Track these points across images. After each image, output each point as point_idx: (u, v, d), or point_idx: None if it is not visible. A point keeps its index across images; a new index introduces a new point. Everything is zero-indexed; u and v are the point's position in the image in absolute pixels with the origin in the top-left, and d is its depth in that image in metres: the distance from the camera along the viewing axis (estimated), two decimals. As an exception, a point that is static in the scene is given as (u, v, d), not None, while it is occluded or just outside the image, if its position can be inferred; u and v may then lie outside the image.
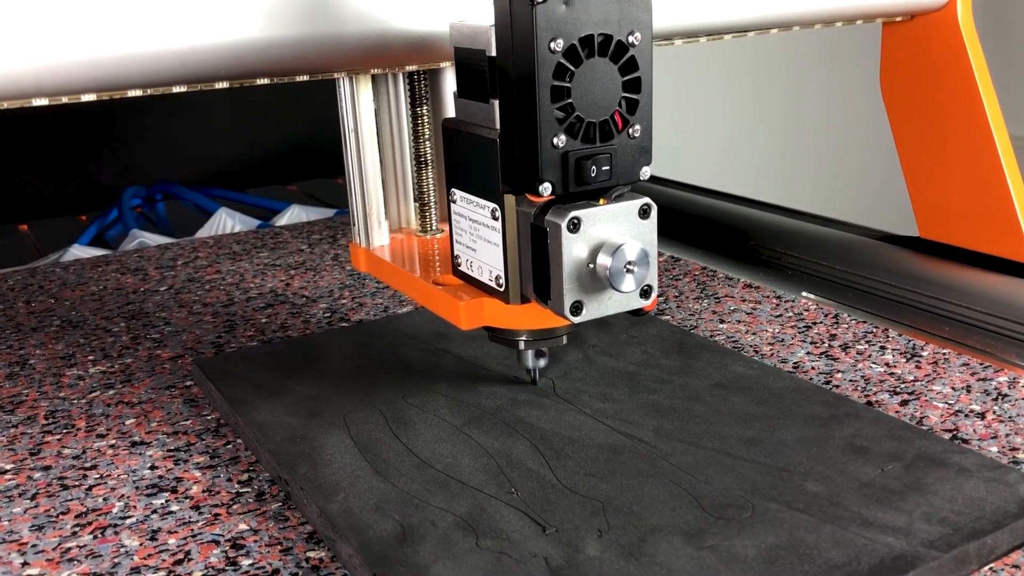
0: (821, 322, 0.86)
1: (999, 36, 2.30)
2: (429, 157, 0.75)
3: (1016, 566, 0.52)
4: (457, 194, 0.64)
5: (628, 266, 0.57)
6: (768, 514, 0.54)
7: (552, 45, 0.53)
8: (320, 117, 1.67)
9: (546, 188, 0.56)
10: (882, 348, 0.79)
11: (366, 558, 0.51)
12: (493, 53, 0.57)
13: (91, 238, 1.37)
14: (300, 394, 0.71)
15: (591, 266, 0.57)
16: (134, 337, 0.90)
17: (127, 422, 0.73)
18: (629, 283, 0.57)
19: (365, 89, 0.71)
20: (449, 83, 0.74)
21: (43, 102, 0.58)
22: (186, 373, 0.81)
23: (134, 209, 1.49)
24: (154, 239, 1.30)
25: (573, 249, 0.56)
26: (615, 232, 0.57)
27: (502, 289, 0.62)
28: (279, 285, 1.04)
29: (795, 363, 0.78)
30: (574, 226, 0.56)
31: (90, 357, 0.86)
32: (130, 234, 1.33)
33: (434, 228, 0.76)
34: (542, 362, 0.70)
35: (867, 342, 0.81)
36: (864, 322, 0.85)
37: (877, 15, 0.91)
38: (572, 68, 0.54)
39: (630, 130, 0.57)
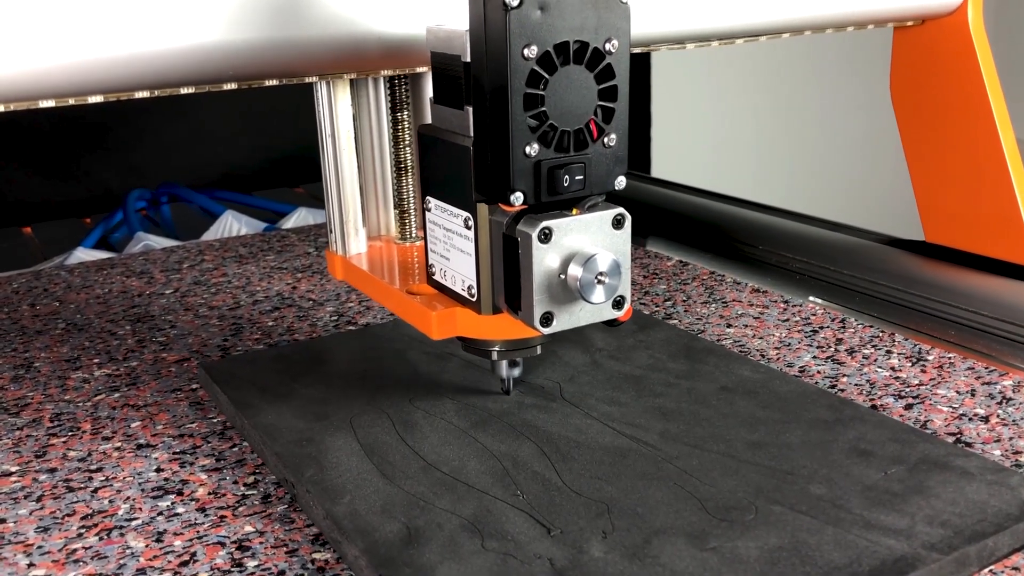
0: (828, 326, 0.86)
1: (1008, 40, 2.30)
2: (409, 163, 0.74)
3: (1016, 568, 0.52)
4: (432, 202, 0.63)
5: (599, 277, 0.56)
6: (771, 516, 0.54)
7: (526, 52, 0.52)
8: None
9: (518, 198, 0.55)
10: (888, 352, 0.80)
11: (372, 559, 0.52)
12: (468, 59, 0.56)
13: (96, 241, 1.37)
14: (306, 397, 0.71)
15: (562, 277, 0.57)
16: (139, 340, 0.91)
17: (133, 425, 0.73)
18: (600, 294, 0.56)
19: (343, 93, 0.70)
20: (430, 88, 0.73)
21: (49, 104, 0.58)
22: (192, 376, 0.81)
23: (139, 212, 1.49)
24: (159, 242, 1.30)
25: (544, 259, 0.56)
26: (587, 242, 0.57)
27: (474, 299, 0.61)
28: (285, 288, 1.04)
29: (801, 367, 0.78)
30: (545, 236, 0.55)
31: (95, 360, 0.86)
32: (135, 237, 1.33)
33: (413, 236, 0.76)
34: (515, 372, 0.69)
35: (873, 346, 0.81)
36: (871, 326, 0.85)
37: (889, 19, 0.91)
38: (546, 76, 0.53)
39: (605, 139, 0.57)
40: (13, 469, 0.67)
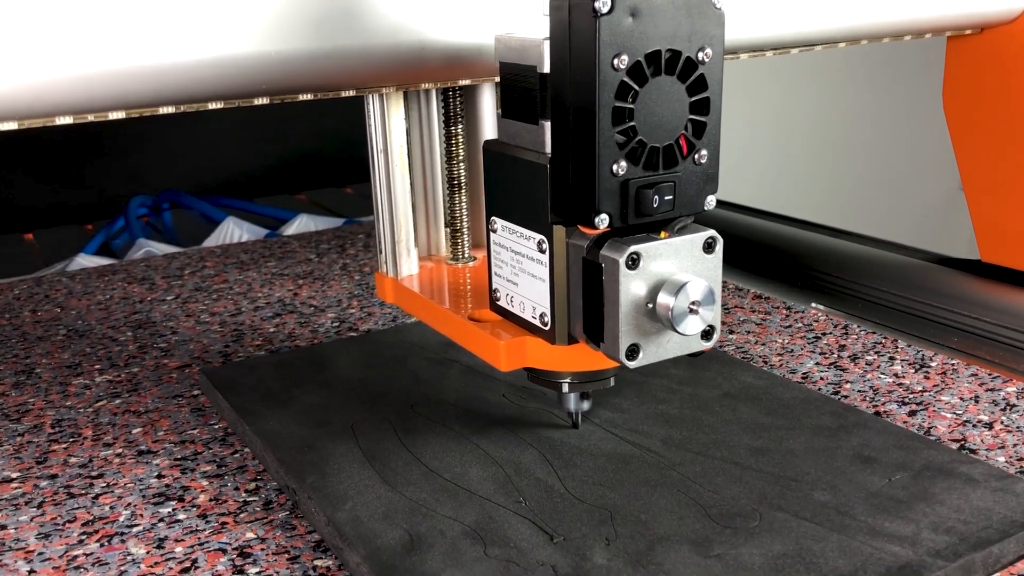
0: (830, 333, 0.86)
1: None
2: (462, 179, 0.70)
3: (1022, 575, 0.52)
4: (498, 223, 0.58)
5: (692, 306, 0.51)
6: (775, 523, 0.54)
7: (615, 62, 0.48)
8: (328, 126, 1.67)
9: (603, 220, 0.50)
10: (891, 359, 0.79)
11: (374, 567, 0.51)
12: (546, 70, 0.52)
13: (97, 247, 1.37)
14: (308, 403, 0.71)
15: (650, 306, 0.52)
16: (141, 346, 0.90)
17: (134, 431, 0.73)
18: (693, 324, 0.52)
19: (397, 107, 0.66)
20: (486, 100, 0.70)
21: (67, 120, 0.54)
22: (193, 382, 0.81)
23: (140, 218, 1.49)
24: (161, 248, 1.30)
25: (631, 287, 0.51)
26: (677, 268, 0.52)
27: (547, 328, 0.56)
28: (287, 295, 1.04)
29: (804, 374, 0.77)
30: (633, 262, 0.51)
31: (96, 366, 0.86)
32: (136, 243, 1.33)
33: (466, 256, 0.72)
34: (585, 405, 0.64)
35: (876, 353, 0.81)
36: (873, 333, 0.85)
37: (946, 28, 0.88)
38: (636, 87, 0.49)
39: (696, 156, 0.52)
40: (14, 475, 0.67)
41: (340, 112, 1.66)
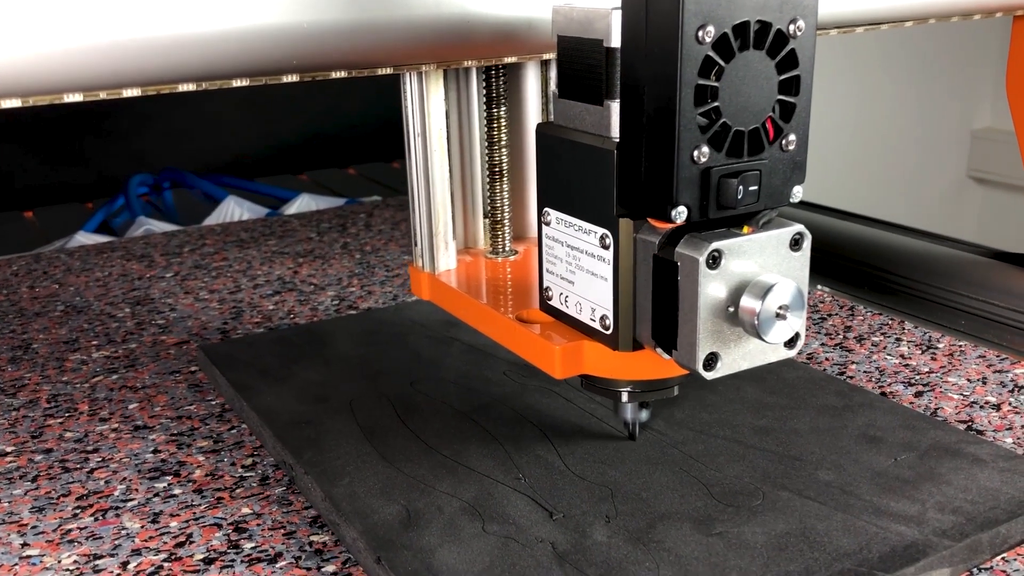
0: (836, 314, 0.85)
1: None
2: (504, 167, 0.65)
3: (1033, 557, 0.51)
4: (552, 215, 0.53)
5: (780, 310, 0.46)
6: (779, 502, 0.53)
7: (700, 34, 0.43)
8: (331, 106, 1.67)
9: (681, 213, 0.45)
10: (897, 340, 0.78)
11: (371, 542, 0.51)
12: (614, 43, 0.47)
13: (97, 225, 1.36)
14: (306, 380, 0.70)
15: (731, 310, 0.47)
16: (139, 323, 0.90)
17: (130, 406, 0.72)
18: (780, 331, 0.47)
19: (436, 87, 0.61)
20: (531, 80, 0.66)
21: (76, 98, 0.48)
22: (191, 359, 0.80)
23: (141, 197, 1.48)
24: (161, 227, 1.29)
25: (710, 289, 0.46)
26: (760, 268, 0.47)
27: (609, 332, 0.51)
28: (287, 273, 1.03)
29: (809, 354, 0.77)
30: (714, 260, 0.45)
31: (94, 342, 0.85)
32: (136, 221, 1.33)
33: (507, 249, 0.67)
34: (644, 415, 0.59)
35: (882, 334, 0.80)
36: (880, 314, 0.84)
37: (1017, 7, 0.84)
38: (722, 63, 0.44)
39: (783, 141, 0.47)
40: (9, 449, 0.66)
41: (343, 92, 1.65)
